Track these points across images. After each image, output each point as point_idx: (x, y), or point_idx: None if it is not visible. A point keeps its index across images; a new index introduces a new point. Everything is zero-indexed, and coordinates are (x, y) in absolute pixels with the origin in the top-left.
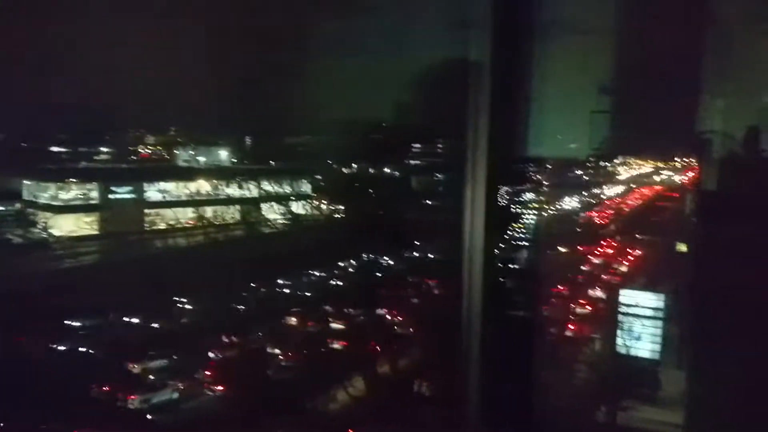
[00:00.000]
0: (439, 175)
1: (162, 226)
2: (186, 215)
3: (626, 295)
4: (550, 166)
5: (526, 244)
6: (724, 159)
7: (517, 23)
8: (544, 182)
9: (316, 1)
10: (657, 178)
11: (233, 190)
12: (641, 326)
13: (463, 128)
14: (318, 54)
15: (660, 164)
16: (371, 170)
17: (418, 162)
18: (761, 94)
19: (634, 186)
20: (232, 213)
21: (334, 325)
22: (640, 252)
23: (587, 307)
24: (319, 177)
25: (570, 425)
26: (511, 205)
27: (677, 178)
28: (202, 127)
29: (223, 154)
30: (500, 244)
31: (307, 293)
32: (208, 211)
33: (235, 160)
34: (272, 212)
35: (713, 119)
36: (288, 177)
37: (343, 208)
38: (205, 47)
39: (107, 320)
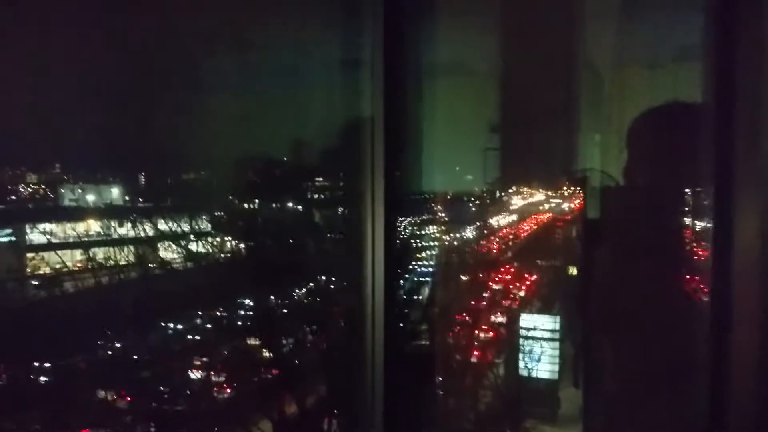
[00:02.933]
0: (339, 211)
1: (46, 270)
2: (74, 258)
3: (525, 319)
4: (449, 199)
5: (429, 274)
6: (604, 189)
7: (411, 64)
8: (444, 214)
9: (207, 39)
10: (547, 206)
11: (125, 230)
12: (540, 348)
13: (361, 165)
14: (211, 92)
15: (549, 193)
16: (270, 206)
17: (317, 198)
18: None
19: (527, 214)
20: (125, 254)
21: (233, 365)
22: (536, 276)
23: (490, 332)
24: (215, 214)
25: None
26: (412, 237)
27: (565, 206)
28: (91, 164)
29: (115, 192)
30: (402, 276)
31: (207, 335)
32: (99, 253)
33: (128, 198)
34: (168, 252)
35: (593, 153)
36: (183, 214)
37: (243, 245)
38: (93, 81)
39: None
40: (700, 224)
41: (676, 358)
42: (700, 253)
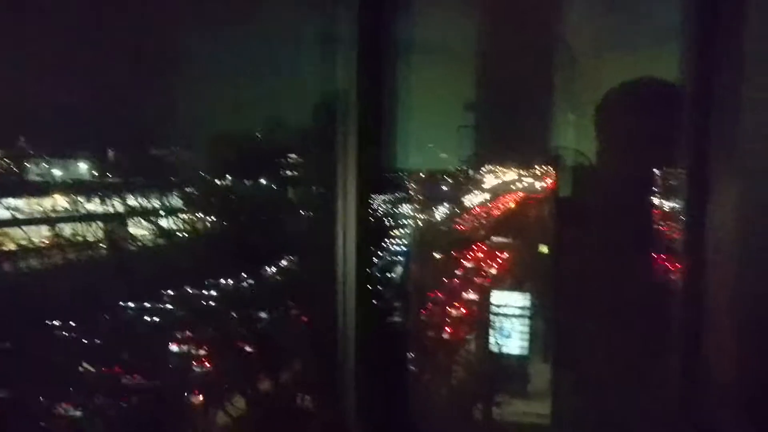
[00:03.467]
0: (311, 189)
1: (11, 246)
2: (40, 234)
3: (496, 296)
4: (422, 177)
5: (402, 251)
6: (576, 168)
7: (385, 43)
8: (417, 192)
9: (180, 15)
10: (519, 185)
11: (95, 206)
12: (511, 325)
13: (333, 141)
14: (183, 67)
15: (522, 172)
16: (239, 183)
17: (290, 175)
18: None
19: (499, 193)
20: (94, 230)
21: (205, 344)
22: (507, 255)
23: (461, 309)
24: (187, 190)
25: (448, 425)
26: (385, 216)
27: (537, 185)
28: (58, 138)
29: (83, 167)
30: (375, 254)
31: (175, 313)
32: (66, 229)
33: (96, 174)
34: (139, 228)
35: (566, 133)
36: (153, 190)
37: (212, 221)
38: (61, 54)
39: None
40: (671, 204)
41: (645, 335)
42: (669, 232)
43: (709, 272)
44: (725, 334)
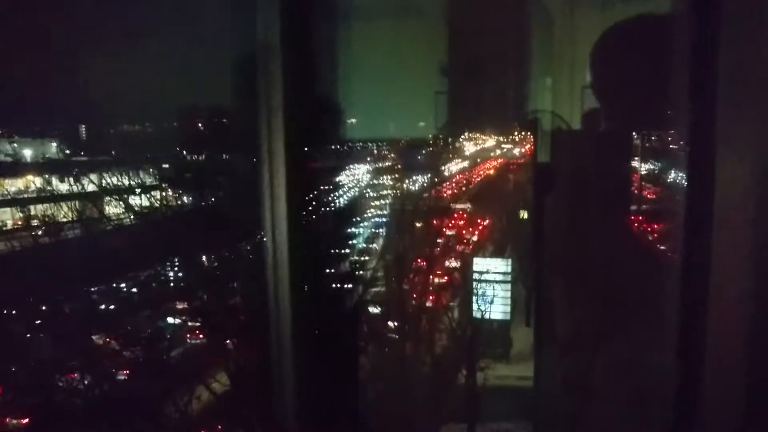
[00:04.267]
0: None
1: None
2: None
3: (477, 263)
4: (398, 146)
5: (345, 225)
6: (555, 133)
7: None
8: (390, 162)
9: None
10: (498, 152)
11: (58, 185)
12: (492, 290)
13: (256, 103)
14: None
15: (500, 139)
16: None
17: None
18: (584, 76)
19: (479, 160)
20: (63, 210)
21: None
22: (488, 221)
23: (441, 278)
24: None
25: (430, 394)
26: (325, 188)
27: (516, 151)
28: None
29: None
30: (312, 231)
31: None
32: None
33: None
34: (111, 207)
35: (543, 98)
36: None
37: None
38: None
39: None
40: (666, 166)
41: (630, 298)
42: (651, 196)
43: (712, 240)
44: (728, 306)
